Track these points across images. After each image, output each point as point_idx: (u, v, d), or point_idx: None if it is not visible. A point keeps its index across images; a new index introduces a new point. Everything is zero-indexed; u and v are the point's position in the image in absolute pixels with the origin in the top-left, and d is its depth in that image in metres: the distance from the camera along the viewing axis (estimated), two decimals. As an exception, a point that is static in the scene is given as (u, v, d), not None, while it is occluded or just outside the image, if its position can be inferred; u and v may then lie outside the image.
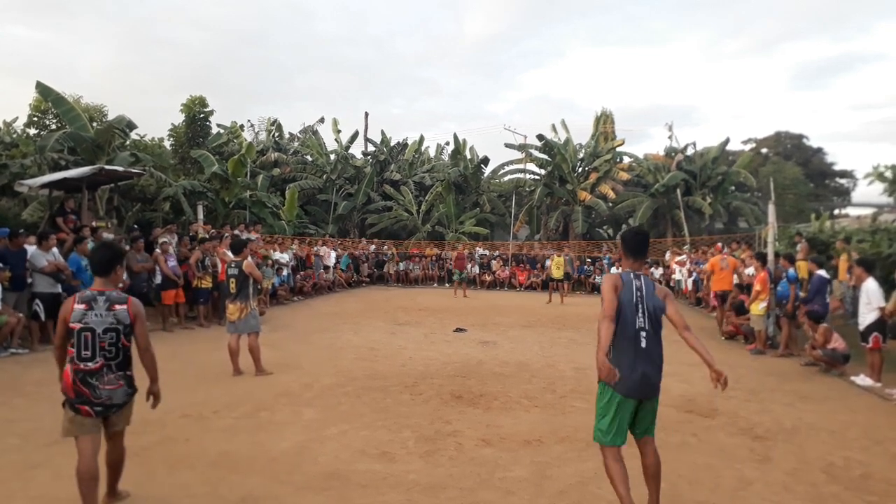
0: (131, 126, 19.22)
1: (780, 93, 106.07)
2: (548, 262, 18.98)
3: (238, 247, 7.61)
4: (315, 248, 19.64)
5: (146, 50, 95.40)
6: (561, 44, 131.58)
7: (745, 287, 11.52)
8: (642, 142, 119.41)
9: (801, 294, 9.52)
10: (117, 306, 3.36)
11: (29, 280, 8.74)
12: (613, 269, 21.38)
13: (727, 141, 27.70)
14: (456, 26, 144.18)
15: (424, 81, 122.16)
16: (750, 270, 11.78)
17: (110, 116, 19.90)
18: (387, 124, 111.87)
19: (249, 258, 7.55)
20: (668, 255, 21.13)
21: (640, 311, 3.47)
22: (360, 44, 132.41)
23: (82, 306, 3.35)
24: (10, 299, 8.42)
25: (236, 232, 14.95)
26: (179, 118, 23.91)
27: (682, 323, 3.56)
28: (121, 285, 11.17)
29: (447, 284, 21.36)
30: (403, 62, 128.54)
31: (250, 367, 7.34)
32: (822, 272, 9.06)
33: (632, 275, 3.58)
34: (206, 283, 11.53)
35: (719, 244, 16.60)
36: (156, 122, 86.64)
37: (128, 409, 3.57)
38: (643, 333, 3.45)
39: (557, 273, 17.47)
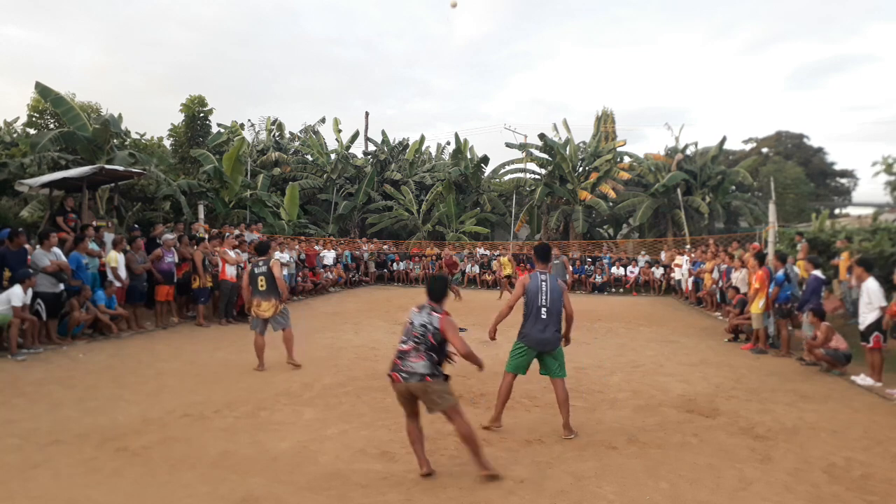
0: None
1: (775, 93, 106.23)
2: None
3: (263, 248, 7.99)
4: (319, 249, 19.62)
5: (137, 50, 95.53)
6: (551, 45, 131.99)
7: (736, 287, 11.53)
8: (638, 142, 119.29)
9: (799, 293, 9.50)
10: (433, 314, 4.63)
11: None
12: (615, 268, 21.46)
13: (724, 140, 27.68)
14: (445, 28, 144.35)
15: (416, 82, 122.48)
16: (737, 275, 11.75)
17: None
18: (382, 125, 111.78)
19: (276, 256, 7.86)
20: (665, 255, 21.12)
21: (543, 296, 5.08)
22: (349, 45, 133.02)
23: (416, 310, 4.66)
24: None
25: (237, 231, 14.94)
26: (175, 118, 23.97)
27: (569, 311, 5.17)
28: (119, 285, 10.92)
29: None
30: (394, 63, 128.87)
31: (261, 363, 7.52)
32: (818, 272, 9.03)
33: (538, 273, 5.18)
34: (207, 283, 11.50)
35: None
36: (151, 122, 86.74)
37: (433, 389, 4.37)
38: (543, 309, 5.06)
39: (506, 273, 19.17)
